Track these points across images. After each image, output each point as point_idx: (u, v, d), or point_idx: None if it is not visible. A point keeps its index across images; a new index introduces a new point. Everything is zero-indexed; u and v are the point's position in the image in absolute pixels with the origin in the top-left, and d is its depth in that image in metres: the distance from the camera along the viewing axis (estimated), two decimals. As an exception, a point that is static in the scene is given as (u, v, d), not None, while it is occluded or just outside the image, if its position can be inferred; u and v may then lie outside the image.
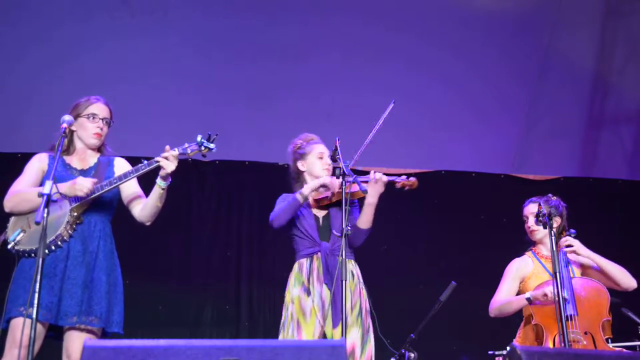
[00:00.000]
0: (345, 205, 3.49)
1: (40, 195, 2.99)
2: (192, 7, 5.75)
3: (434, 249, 6.23)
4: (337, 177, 3.60)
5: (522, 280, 4.16)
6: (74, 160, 3.54)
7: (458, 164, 6.55)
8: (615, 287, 4.01)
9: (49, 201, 2.98)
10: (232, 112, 5.98)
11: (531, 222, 4.11)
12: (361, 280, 3.80)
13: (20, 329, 3.07)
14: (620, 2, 6.21)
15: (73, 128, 3.52)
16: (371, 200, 3.76)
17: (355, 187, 3.67)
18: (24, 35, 5.56)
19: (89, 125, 3.53)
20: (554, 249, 3.61)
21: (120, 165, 3.61)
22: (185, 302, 5.89)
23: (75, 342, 3.31)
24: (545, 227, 3.70)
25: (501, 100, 6.41)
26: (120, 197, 3.58)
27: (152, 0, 5.71)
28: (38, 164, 3.51)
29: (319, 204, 3.87)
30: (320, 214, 3.89)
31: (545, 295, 3.83)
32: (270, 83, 5.98)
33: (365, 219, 3.79)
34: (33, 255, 3.30)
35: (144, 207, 3.51)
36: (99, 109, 3.56)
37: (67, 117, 3.39)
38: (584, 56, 6.33)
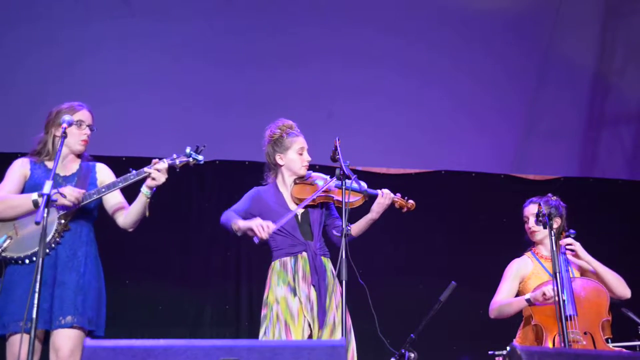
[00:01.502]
0: (346, 206, 3.45)
1: (40, 195, 3.01)
2: (193, 9, 5.75)
3: (434, 249, 6.22)
4: (338, 178, 3.57)
5: (521, 280, 4.16)
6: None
7: (458, 164, 6.54)
8: (610, 294, 4.01)
9: (49, 201, 2.98)
10: (232, 112, 5.98)
11: (532, 222, 4.11)
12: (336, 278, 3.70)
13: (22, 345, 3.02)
14: (620, 2, 6.21)
15: (57, 134, 3.48)
16: (374, 216, 3.74)
17: (354, 197, 3.65)
18: (25, 37, 5.55)
19: (77, 132, 3.52)
20: (554, 249, 3.61)
21: (103, 171, 3.62)
22: (185, 303, 5.87)
23: (64, 339, 3.29)
24: (545, 227, 3.70)
25: (501, 100, 6.40)
26: (102, 204, 3.58)
27: (152, 2, 5.71)
28: (20, 169, 3.49)
29: (300, 201, 3.78)
30: (299, 210, 3.78)
31: (544, 294, 3.83)
32: (270, 85, 5.97)
33: (357, 230, 3.77)
34: (20, 262, 3.30)
35: (127, 215, 3.52)
36: (85, 115, 3.56)
37: (67, 117, 3.38)
38: (584, 56, 6.32)
